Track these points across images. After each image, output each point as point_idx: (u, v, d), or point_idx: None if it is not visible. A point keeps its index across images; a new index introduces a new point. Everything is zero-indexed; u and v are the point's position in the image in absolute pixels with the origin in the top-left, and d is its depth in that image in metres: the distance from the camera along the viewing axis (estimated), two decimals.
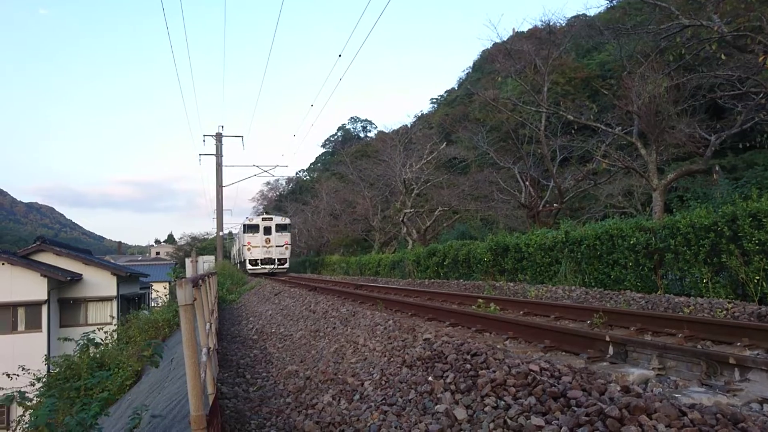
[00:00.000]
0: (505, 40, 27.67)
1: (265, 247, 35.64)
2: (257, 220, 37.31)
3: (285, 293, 17.46)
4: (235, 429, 4.87)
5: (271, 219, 37.35)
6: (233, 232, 59.22)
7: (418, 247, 27.86)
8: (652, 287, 11.23)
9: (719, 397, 4.05)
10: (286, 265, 36.71)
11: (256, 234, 35.75)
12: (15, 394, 6.85)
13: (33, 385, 12.09)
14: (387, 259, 27.74)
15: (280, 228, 36.47)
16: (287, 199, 76.32)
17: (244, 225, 37.62)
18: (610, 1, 24.60)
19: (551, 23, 26.34)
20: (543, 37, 26.80)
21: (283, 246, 36.10)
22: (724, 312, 8.13)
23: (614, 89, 25.30)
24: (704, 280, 10.11)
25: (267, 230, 35.86)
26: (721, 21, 15.83)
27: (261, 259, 35.49)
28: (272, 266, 35.67)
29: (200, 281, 5.06)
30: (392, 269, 26.25)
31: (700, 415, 3.14)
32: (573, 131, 25.75)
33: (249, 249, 35.66)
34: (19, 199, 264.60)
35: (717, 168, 21.50)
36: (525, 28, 37.51)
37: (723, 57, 16.54)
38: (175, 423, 4.75)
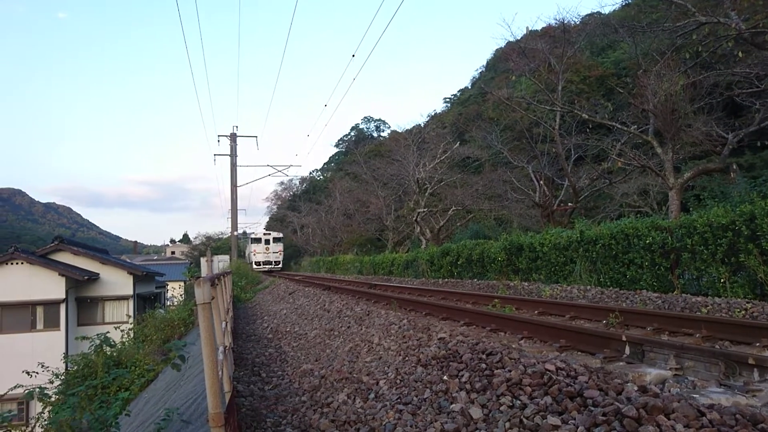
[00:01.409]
0: (518, 38, 27.46)
1: (265, 253, 52.24)
2: (260, 235, 54.46)
3: (299, 292, 17.53)
4: (252, 427, 4.90)
5: (270, 234, 54.64)
6: (247, 231, 74.50)
7: (432, 246, 27.81)
8: (669, 287, 11.13)
9: (738, 398, 4.00)
10: (280, 265, 52.73)
11: (259, 244, 52.72)
12: (35, 390, 6.94)
13: (52, 382, 12.21)
14: (400, 259, 27.71)
15: (276, 240, 53.57)
16: (301, 199, 76.60)
17: (251, 238, 55.36)
18: None
19: (565, 21, 26.02)
20: (557, 35, 26.51)
21: (277, 252, 53.02)
22: (743, 312, 8.04)
23: (629, 87, 25.04)
24: (722, 280, 10.00)
25: (267, 241, 52.87)
26: (739, 18, 15.63)
27: (263, 261, 51.62)
28: (270, 266, 51.24)
29: (216, 280, 5.10)
30: (406, 269, 26.23)
31: (719, 415, 3.11)
32: (588, 130, 25.57)
33: (255, 254, 52.25)
34: (37, 200, 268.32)
35: (735, 166, 21.21)
36: (539, 26, 37.31)
37: (740, 54, 16.35)
38: (192, 420, 4.79)
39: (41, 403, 9.44)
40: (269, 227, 75.65)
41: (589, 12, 45.92)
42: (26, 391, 6.35)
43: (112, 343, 12.63)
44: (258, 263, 50.95)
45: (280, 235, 56.07)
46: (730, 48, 16.30)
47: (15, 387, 9.07)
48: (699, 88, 19.39)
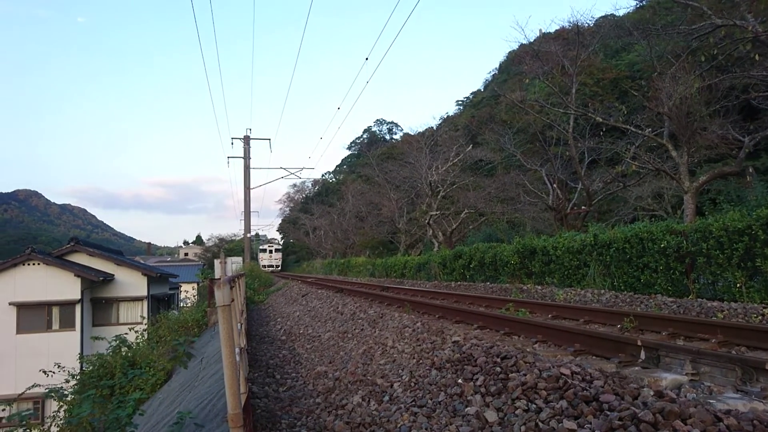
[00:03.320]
0: (532, 41, 27.41)
1: (269, 258, 72.73)
2: (266, 246, 76.35)
3: (312, 294, 17.58)
4: (267, 428, 4.94)
5: (273, 245, 77.25)
6: (260, 234, 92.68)
7: (444, 249, 27.79)
8: (684, 291, 11.05)
9: (755, 404, 3.98)
10: (279, 267, 72.01)
11: (265, 252, 73.97)
12: (53, 391, 7.06)
13: (67, 382, 12.36)
14: (413, 262, 27.71)
15: (277, 250, 76.21)
16: (313, 201, 77.05)
17: (260, 248, 74.78)
18: (640, 1, 24.31)
19: (579, 24, 25.91)
20: (571, 37, 26.42)
21: (278, 258, 74.30)
22: (759, 317, 7.97)
23: (644, 90, 24.94)
24: (738, 285, 9.92)
25: (270, 251, 74.80)
26: (756, 20, 15.50)
27: (267, 264, 69.26)
28: (272, 268, 68.67)
29: (232, 282, 5.14)
30: (418, 271, 26.23)
31: (736, 421, 3.10)
32: (602, 133, 25.44)
33: (262, 259, 70.72)
34: (53, 201, 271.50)
35: (751, 170, 21.06)
36: (552, 29, 37.24)
37: (757, 57, 16.19)
38: (206, 421, 4.83)
39: (57, 403, 9.58)
40: (281, 229, 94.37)
41: (603, 14, 45.69)
42: (46, 390, 6.45)
43: (129, 344, 12.84)
44: (264, 266, 67.30)
45: (280, 246, 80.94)
46: (746, 51, 16.17)
47: (32, 386, 9.22)
48: (715, 91, 19.25)
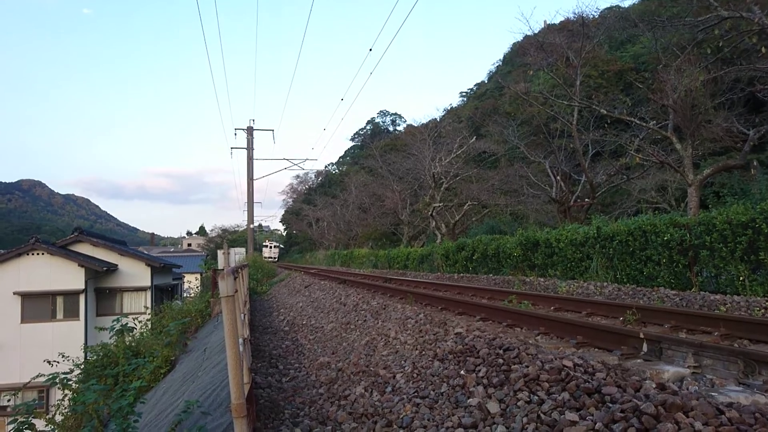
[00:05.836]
0: (536, 32, 27.28)
1: (269, 252, 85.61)
2: (267, 243, 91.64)
3: (315, 285, 17.63)
4: (270, 418, 4.97)
5: (272, 243, 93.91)
6: (263, 225, 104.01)
7: (447, 241, 27.77)
8: (687, 284, 11.04)
9: (757, 397, 3.99)
10: (276, 259, 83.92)
11: (266, 248, 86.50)
12: (58, 377, 7.10)
13: (72, 371, 12.40)
14: (416, 253, 27.73)
15: (275, 246, 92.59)
16: (316, 193, 77.12)
17: (262, 245, 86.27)
18: None
19: (584, 15, 25.74)
20: (575, 29, 26.27)
21: (276, 251, 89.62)
22: (762, 310, 7.97)
23: (649, 82, 24.81)
24: (741, 278, 9.90)
25: (270, 247, 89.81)
26: (762, 12, 15.38)
27: (267, 256, 76.47)
28: (271, 259, 77.39)
29: (235, 272, 5.16)
30: (421, 263, 26.25)
31: (738, 413, 3.11)
32: (606, 125, 25.35)
33: (264, 252, 79.04)
34: (56, 191, 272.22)
35: (755, 163, 20.95)
36: (557, 20, 37.07)
37: (763, 50, 16.08)
38: (211, 410, 4.87)
39: (62, 392, 9.64)
40: (284, 220, 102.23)
41: (608, 5, 45.36)
42: (48, 377, 6.51)
43: (132, 326, 12.84)
44: (265, 257, 73.77)
45: (276, 243, 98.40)
46: (752, 43, 16.05)
47: (37, 376, 9.27)
48: (720, 84, 19.14)
